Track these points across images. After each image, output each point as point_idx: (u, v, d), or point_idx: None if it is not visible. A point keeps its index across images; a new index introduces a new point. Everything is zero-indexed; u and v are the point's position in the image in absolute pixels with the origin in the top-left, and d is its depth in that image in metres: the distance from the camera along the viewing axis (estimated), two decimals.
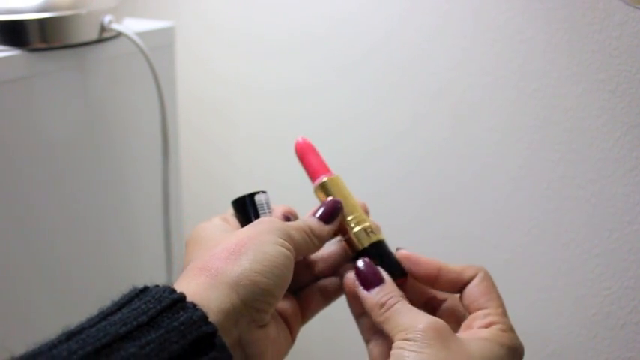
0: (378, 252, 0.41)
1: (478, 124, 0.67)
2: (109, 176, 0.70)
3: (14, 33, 0.58)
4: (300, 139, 0.45)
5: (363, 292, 0.38)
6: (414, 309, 0.37)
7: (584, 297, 0.63)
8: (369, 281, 0.38)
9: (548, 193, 0.64)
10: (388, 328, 0.36)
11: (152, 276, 0.77)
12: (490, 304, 0.37)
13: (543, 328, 0.67)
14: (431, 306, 0.41)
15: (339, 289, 0.43)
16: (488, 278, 0.39)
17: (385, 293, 0.38)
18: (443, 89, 0.69)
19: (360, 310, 0.40)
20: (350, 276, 0.40)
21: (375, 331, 0.39)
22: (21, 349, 0.29)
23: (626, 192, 0.59)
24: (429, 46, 0.68)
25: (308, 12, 0.77)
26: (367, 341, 0.40)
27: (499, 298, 0.38)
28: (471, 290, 0.38)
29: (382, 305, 0.37)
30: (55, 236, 0.65)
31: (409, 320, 0.35)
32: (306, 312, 0.43)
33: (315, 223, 0.41)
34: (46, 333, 0.30)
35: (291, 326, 0.40)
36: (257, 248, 0.35)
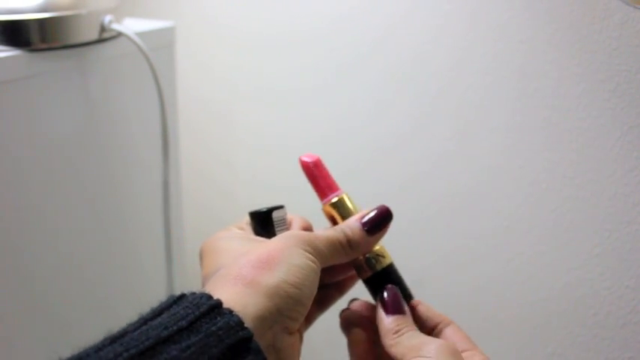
0: (390, 278, 0.42)
1: (478, 125, 0.67)
2: (108, 176, 0.70)
3: (14, 33, 0.58)
4: (307, 157, 0.43)
5: (382, 313, 0.41)
6: (425, 335, 0.39)
7: (584, 297, 0.63)
8: (391, 310, 0.40)
9: (548, 193, 0.64)
10: (398, 350, 0.38)
11: (152, 277, 0.77)
12: (472, 347, 0.40)
13: (543, 328, 0.67)
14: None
15: (353, 281, 0.46)
16: (461, 329, 0.42)
17: (401, 322, 0.40)
18: (443, 89, 0.69)
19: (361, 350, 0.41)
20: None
21: None
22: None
23: (626, 192, 0.59)
24: (429, 46, 0.68)
25: (309, 13, 0.77)
26: None
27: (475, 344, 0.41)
28: (450, 334, 0.41)
29: (397, 332, 0.39)
30: (54, 237, 0.65)
31: (420, 342, 0.37)
32: (322, 307, 0.45)
33: (357, 233, 0.41)
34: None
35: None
36: (289, 261, 0.36)
